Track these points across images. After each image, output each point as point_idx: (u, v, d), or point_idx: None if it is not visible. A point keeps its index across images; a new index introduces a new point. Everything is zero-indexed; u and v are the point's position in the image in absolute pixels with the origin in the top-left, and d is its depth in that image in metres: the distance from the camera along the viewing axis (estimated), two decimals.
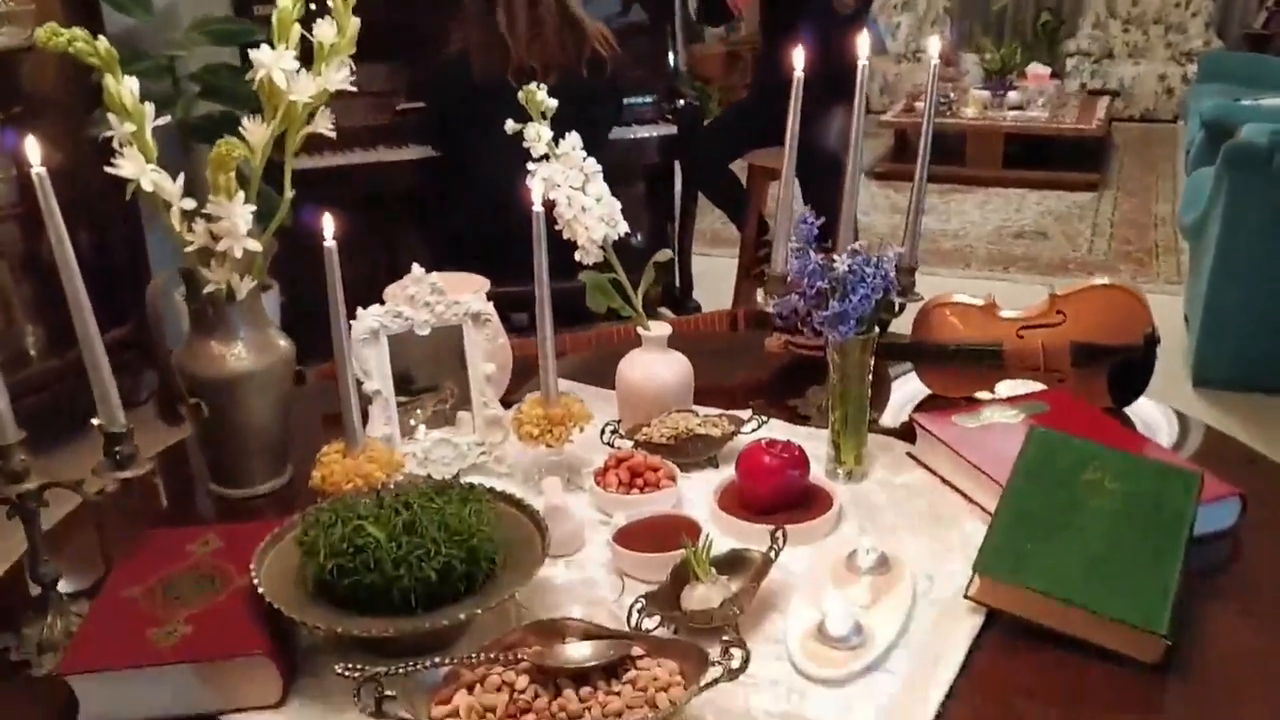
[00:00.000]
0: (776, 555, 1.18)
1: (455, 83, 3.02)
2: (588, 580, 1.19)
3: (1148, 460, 1.27)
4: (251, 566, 1.10)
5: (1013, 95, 6.10)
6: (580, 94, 2.71)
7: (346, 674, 0.94)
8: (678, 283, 3.72)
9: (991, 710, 1.03)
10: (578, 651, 1.00)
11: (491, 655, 0.99)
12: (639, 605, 1.08)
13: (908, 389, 1.67)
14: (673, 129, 3.56)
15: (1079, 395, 1.53)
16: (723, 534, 1.30)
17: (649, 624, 1.09)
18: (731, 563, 1.18)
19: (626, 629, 1.08)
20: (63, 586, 1.17)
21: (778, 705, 1.03)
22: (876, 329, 1.38)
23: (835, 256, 1.32)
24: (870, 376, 1.40)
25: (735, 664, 0.97)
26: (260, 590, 1.06)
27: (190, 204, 1.28)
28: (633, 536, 1.25)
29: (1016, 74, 6.26)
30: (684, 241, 3.71)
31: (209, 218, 1.29)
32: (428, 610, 1.06)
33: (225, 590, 1.12)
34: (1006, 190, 5.78)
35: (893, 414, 1.61)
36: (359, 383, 1.38)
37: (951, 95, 6.09)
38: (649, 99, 3.57)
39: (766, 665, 1.08)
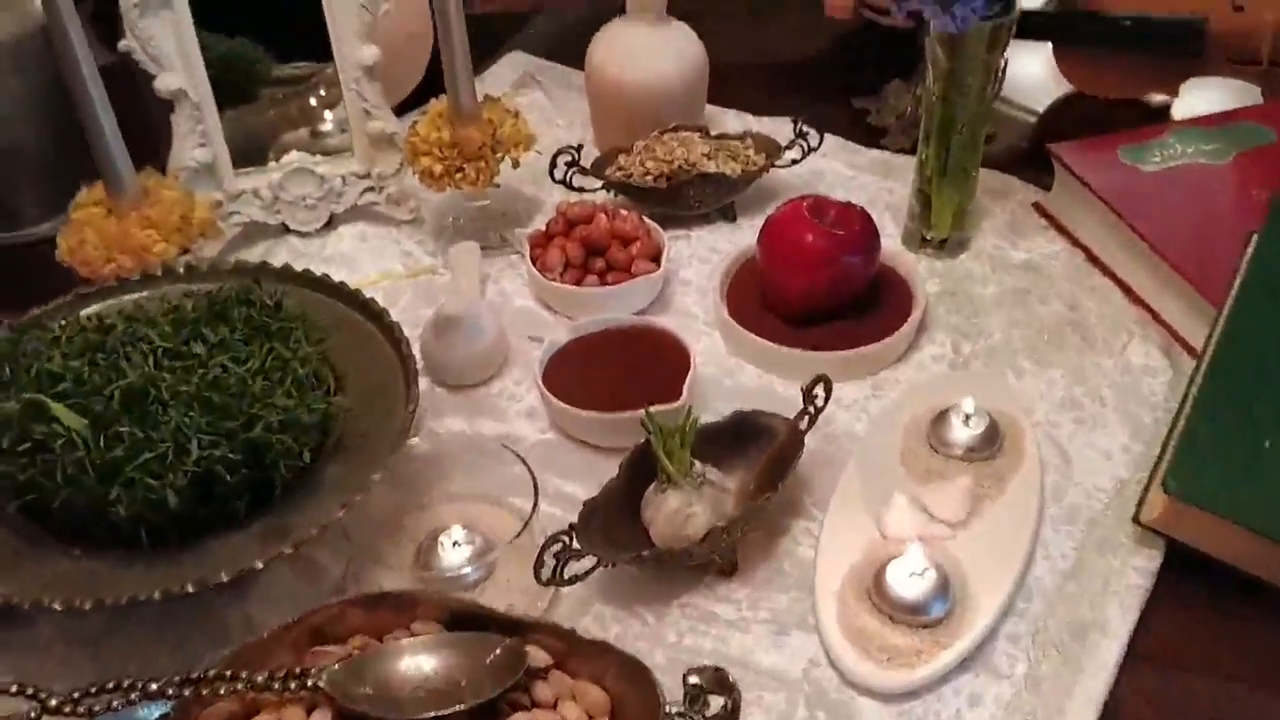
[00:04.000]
0: (811, 424, 0.69)
1: None
2: (491, 453, 0.70)
3: None
4: None
5: None
6: None
7: None
8: None
9: None
10: (419, 666, 0.54)
11: (265, 676, 0.53)
12: (555, 546, 0.61)
13: (1034, 79, 1.09)
14: None
15: None
16: (731, 353, 0.81)
17: (577, 568, 0.62)
18: (734, 436, 0.70)
19: (537, 580, 0.61)
20: None
21: None
22: (1017, 8, 0.79)
23: None
24: (998, 87, 0.83)
25: (712, 713, 0.52)
26: None
27: None
28: (579, 367, 0.76)
29: None
30: None
31: None
32: (184, 542, 0.60)
33: None
34: None
35: (1010, 126, 1.05)
36: (149, 77, 0.84)
37: None
38: None
39: (777, 647, 0.62)
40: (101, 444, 0.57)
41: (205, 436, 0.58)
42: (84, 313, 0.69)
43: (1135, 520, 0.67)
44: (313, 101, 1.04)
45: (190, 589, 0.56)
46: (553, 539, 0.61)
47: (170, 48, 0.83)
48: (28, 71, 0.88)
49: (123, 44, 0.82)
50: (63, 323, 0.65)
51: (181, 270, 0.76)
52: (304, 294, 0.73)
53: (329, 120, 1.02)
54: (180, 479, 0.57)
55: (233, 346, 0.62)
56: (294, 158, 0.92)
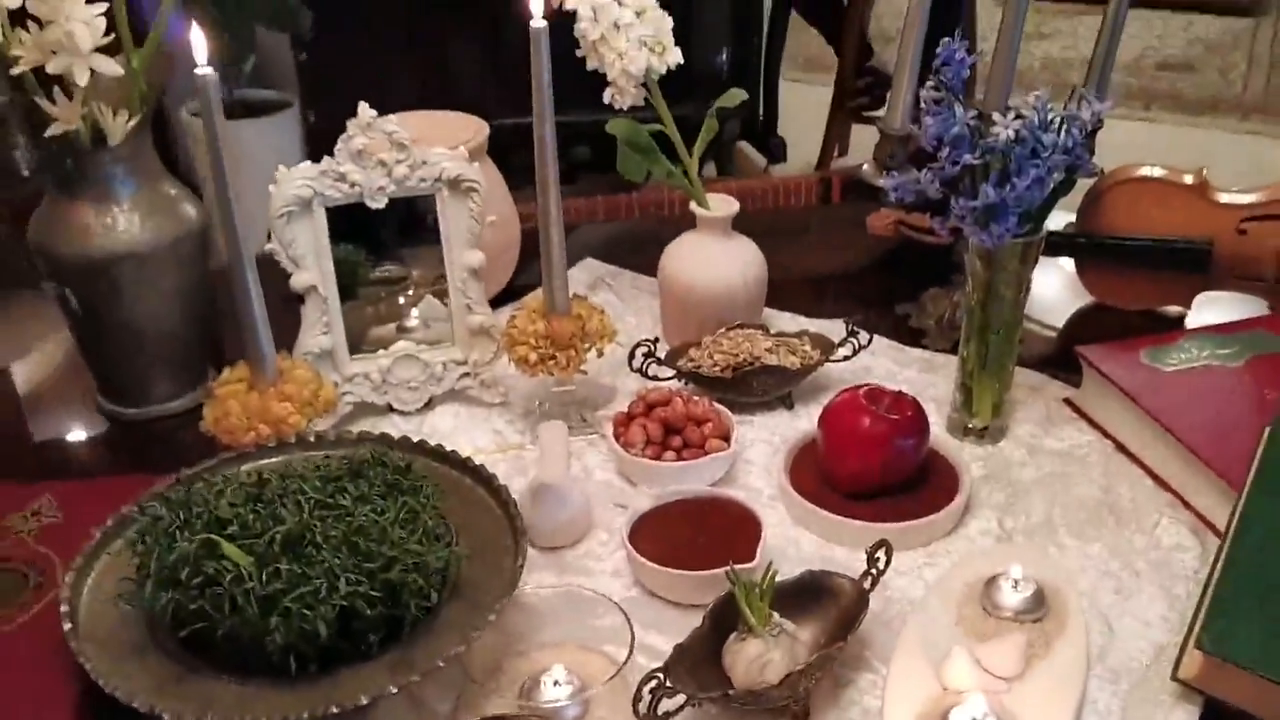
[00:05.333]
0: (874, 584, 0.77)
1: None
2: (587, 604, 0.78)
3: None
4: (65, 581, 0.72)
5: None
6: None
7: None
8: (761, 114, 3.19)
9: None
10: None
11: None
12: (651, 682, 0.68)
13: (1058, 291, 1.22)
14: None
15: None
16: (794, 523, 0.89)
17: (668, 706, 0.69)
18: (804, 593, 0.77)
19: (634, 714, 0.68)
20: None
21: None
22: (1044, 229, 0.92)
23: (995, 116, 0.85)
24: (1027, 296, 0.94)
25: None
26: (67, 630, 0.69)
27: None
28: (660, 532, 0.84)
29: None
30: (771, 65, 3.16)
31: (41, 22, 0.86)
32: (323, 670, 0.67)
33: (41, 600, 0.75)
34: (1148, 12, 5.02)
35: (1034, 339, 1.17)
36: (286, 275, 0.97)
37: None
38: None
39: None
40: (264, 579, 0.65)
41: (351, 575, 0.66)
42: (243, 469, 0.79)
43: (1174, 677, 0.73)
44: (400, 300, 1.17)
45: (334, 710, 0.63)
46: (650, 675, 0.68)
47: (308, 250, 0.96)
48: (183, 268, 1.00)
49: (268, 247, 0.95)
50: (224, 477, 0.74)
51: (312, 439, 0.86)
52: (421, 460, 0.83)
53: (414, 317, 1.15)
54: (330, 612, 0.65)
55: (371, 500, 0.71)
56: (401, 346, 1.03)
